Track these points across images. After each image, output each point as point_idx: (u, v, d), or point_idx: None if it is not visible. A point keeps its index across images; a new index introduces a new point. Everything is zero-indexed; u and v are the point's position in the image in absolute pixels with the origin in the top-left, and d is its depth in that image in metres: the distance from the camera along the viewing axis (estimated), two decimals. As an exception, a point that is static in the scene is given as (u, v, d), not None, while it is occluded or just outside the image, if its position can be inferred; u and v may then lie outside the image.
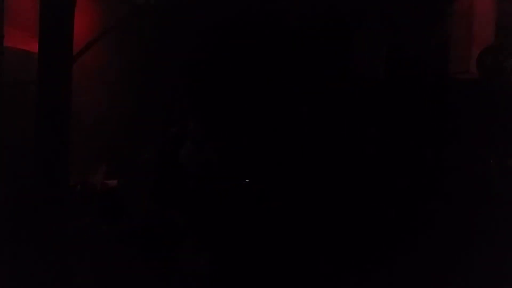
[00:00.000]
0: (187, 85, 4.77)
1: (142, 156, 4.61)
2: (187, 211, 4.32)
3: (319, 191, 4.39)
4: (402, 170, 4.35)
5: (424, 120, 4.40)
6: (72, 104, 4.16)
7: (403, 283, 4.00)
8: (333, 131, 4.49)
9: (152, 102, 4.77)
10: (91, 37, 4.55)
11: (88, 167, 4.61)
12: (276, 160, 4.52)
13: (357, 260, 4.14)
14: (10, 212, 3.93)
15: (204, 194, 4.38)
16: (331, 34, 4.45)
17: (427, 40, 4.39)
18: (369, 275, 4.01)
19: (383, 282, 4.00)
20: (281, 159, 4.51)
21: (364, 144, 4.44)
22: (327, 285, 4.13)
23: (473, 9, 4.36)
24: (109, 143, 4.69)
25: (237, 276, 4.17)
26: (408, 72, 4.39)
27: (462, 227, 4.09)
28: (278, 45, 4.54)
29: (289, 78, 4.52)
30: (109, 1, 4.68)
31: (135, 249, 4.26)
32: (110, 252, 4.17)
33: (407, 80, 4.41)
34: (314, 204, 4.36)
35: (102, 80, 4.71)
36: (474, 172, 4.24)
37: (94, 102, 4.67)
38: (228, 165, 4.56)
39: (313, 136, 4.50)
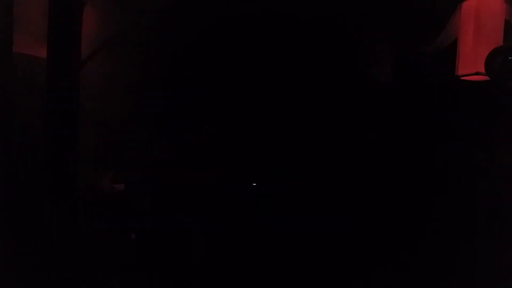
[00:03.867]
0: (196, 90, 4.79)
1: (150, 157, 4.62)
2: (195, 212, 4.32)
3: (325, 192, 4.39)
4: (409, 171, 4.33)
5: (432, 122, 4.37)
6: (80, 109, 4.21)
7: (403, 283, 3.97)
8: (341, 133, 4.48)
9: (159, 107, 4.79)
10: (99, 42, 4.58)
11: (96, 171, 4.64)
12: (284, 162, 4.52)
13: (357, 261, 4.13)
14: (18, 216, 3.97)
15: (215, 196, 4.40)
16: (339, 37, 4.44)
17: (435, 42, 4.35)
18: (369, 275, 3.99)
19: (384, 282, 3.98)
20: (289, 160, 4.51)
21: (371, 145, 4.43)
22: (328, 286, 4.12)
23: (481, 10, 4.31)
24: (117, 148, 4.71)
25: (239, 277, 4.18)
26: (416, 74, 4.37)
27: (467, 228, 4.07)
28: (286, 49, 4.54)
29: (298, 81, 4.53)
30: (116, 6, 4.69)
31: (143, 252, 4.29)
32: (118, 255, 4.20)
33: (415, 82, 4.38)
34: (320, 206, 4.36)
35: (110, 86, 4.74)
36: (482, 173, 4.20)
37: (102, 107, 4.70)
38: (238, 167, 4.57)
39: (320, 138, 4.50)
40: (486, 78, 3.80)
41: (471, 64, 3.82)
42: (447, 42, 4.16)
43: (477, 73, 3.79)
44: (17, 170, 4.03)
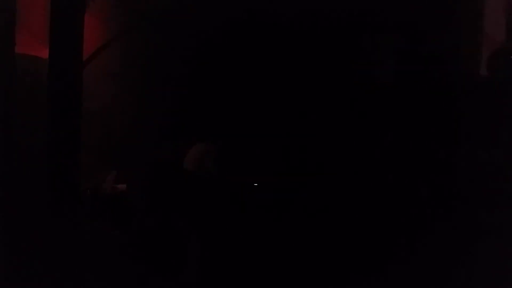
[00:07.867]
0: (197, 90, 4.78)
1: (152, 158, 4.63)
2: (192, 213, 4.32)
3: (328, 196, 4.37)
4: (411, 172, 4.31)
5: (434, 122, 4.35)
6: (82, 110, 4.22)
7: (403, 284, 3.96)
8: (342, 134, 4.46)
9: (161, 108, 4.78)
10: (101, 43, 4.59)
11: (98, 172, 4.65)
12: (284, 164, 4.51)
13: (359, 262, 4.12)
14: (20, 217, 3.99)
15: (211, 197, 4.39)
16: (339, 36, 4.42)
17: (437, 42, 4.33)
18: (370, 275, 3.99)
19: (384, 283, 3.97)
20: (289, 163, 4.50)
21: (373, 146, 4.42)
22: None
23: (484, 9, 4.31)
24: (119, 148, 4.71)
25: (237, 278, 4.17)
26: (417, 74, 4.35)
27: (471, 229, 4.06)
28: (286, 48, 4.52)
29: (298, 82, 4.51)
30: (118, 7, 4.70)
31: (145, 253, 4.30)
32: (120, 256, 4.21)
33: (417, 82, 4.36)
34: (323, 210, 4.34)
35: (112, 86, 4.74)
36: (486, 173, 4.19)
37: (104, 108, 4.70)
38: (237, 168, 4.56)
39: (321, 140, 4.48)
40: None
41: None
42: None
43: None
44: (19, 171, 4.05)
